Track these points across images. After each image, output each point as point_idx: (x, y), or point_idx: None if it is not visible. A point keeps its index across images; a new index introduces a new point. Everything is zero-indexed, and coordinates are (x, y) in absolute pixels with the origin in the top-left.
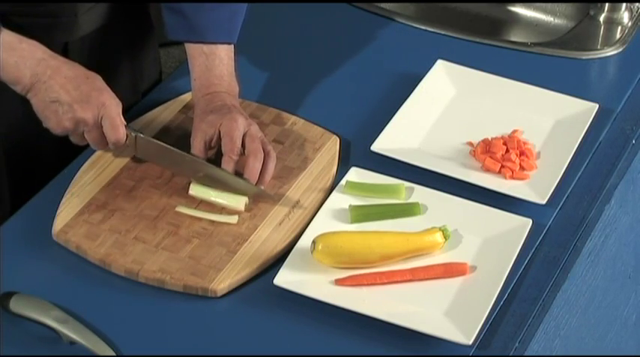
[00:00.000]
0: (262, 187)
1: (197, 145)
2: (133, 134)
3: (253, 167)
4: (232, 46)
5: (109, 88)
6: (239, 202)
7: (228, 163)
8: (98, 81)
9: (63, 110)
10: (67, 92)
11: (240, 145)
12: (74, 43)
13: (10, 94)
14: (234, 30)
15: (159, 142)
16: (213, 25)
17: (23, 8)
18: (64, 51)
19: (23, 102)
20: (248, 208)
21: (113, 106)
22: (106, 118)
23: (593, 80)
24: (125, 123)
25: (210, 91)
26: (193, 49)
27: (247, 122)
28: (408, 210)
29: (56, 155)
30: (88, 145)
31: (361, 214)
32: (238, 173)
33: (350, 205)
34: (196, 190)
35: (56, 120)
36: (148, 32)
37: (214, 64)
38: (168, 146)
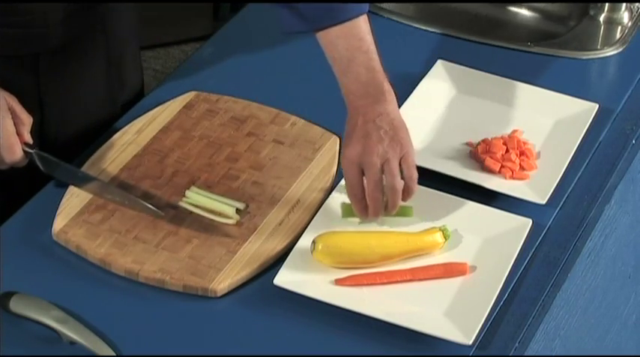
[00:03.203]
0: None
1: (350, 181)
2: (31, 151)
3: (392, 204)
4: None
5: (4, 105)
6: (229, 209)
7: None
8: None
9: None
10: None
11: (379, 180)
12: (45, 54)
13: None
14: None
15: (54, 159)
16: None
17: None
18: (35, 62)
19: None
20: (250, 208)
21: (7, 125)
22: (1, 139)
23: (593, 80)
24: (28, 141)
25: (349, 100)
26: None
27: (387, 147)
28: (399, 212)
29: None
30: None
31: (350, 209)
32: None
33: (342, 203)
34: (191, 196)
35: None
36: (125, 43)
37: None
38: (63, 163)
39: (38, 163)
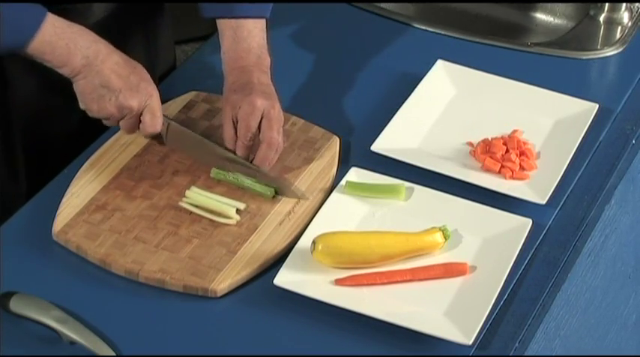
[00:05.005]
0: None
1: (226, 126)
2: (166, 123)
3: (265, 156)
4: (263, 20)
5: (152, 80)
6: (230, 210)
7: (240, 149)
8: (144, 72)
9: (110, 96)
10: (119, 78)
11: (254, 131)
12: (91, 27)
13: (29, 86)
14: (265, 5)
15: (189, 132)
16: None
17: None
18: None
19: (40, 94)
20: (250, 208)
21: (157, 97)
22: (148, 109)
23: (593, 80)
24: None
25: (238, 64)
26: (222, 24)
27: (268, 104)
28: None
29: (71, 143)
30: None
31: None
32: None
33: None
34: (191, 196)
35: (100, 104)
36: (162, 17)
37: (242, 36)
38: (199, 136)
39: (163, 133)
